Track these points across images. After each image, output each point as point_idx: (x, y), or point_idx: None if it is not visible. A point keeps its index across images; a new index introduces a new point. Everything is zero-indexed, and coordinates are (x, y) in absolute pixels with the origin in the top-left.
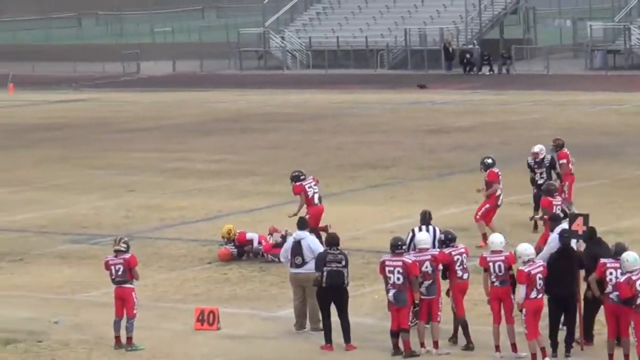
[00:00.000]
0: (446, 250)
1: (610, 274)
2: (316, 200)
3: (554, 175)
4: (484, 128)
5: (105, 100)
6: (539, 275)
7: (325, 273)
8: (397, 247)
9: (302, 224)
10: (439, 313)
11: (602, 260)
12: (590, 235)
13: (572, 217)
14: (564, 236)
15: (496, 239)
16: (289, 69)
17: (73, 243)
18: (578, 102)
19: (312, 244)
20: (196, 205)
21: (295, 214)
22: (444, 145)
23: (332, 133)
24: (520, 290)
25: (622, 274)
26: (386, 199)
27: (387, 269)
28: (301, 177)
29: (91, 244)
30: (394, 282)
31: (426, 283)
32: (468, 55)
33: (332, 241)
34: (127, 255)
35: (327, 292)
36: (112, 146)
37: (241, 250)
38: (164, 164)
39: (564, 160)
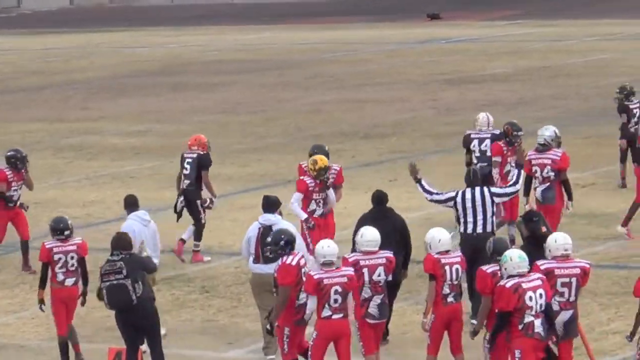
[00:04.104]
0: None
1: (530, 299)
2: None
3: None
4: (527, 75)
5: None
6: (337, 287)
7: (105, 290)
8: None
9: (271, 205)
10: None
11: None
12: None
13: None
14: None
15: (443, 235)
16: None
17: None
18: None
19: (289, 229)
20: (108, 198)
21: None
22: (469, 102)
23: (306, 88)
24: (310, 301)
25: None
26: (385, 183)
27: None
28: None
29: None
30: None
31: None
32: None
33: (119, 242)
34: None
35: (121, 316)
36: None
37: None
38: (60, 140)
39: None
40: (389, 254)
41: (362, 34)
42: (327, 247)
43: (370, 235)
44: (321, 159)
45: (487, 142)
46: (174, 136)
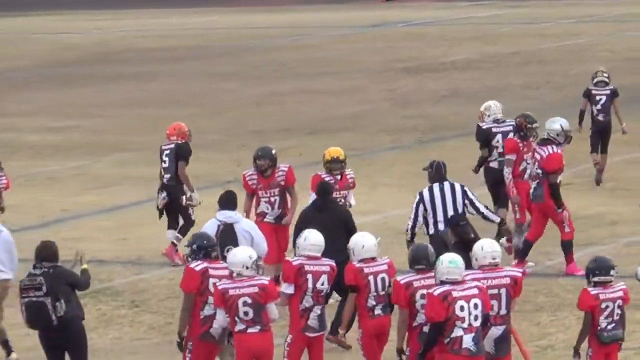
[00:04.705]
0: None
1: (462, 309)
2: None
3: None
4: (494, 63)
5: None
6: (245, 299)
7: (23, 307)
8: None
9: (232, 201)
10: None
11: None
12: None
13: None
14: None
15: (368, 241)
16: None
17: None
18: None
19: (253, 230)
20: (25, 202)
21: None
22: (428, 93)
23: (250, 78)
24: (218, 316)
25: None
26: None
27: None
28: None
29: None
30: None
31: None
32: None
33: (41, 253)
34: None
35: (43, 335)
36: None
37: None
38: None
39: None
40: (332, 262)
41: (310, 18)
42: (233, 256)
43: (314, 239)
44: (329, 151)
45: (511, 135)
46: (101, 133)
